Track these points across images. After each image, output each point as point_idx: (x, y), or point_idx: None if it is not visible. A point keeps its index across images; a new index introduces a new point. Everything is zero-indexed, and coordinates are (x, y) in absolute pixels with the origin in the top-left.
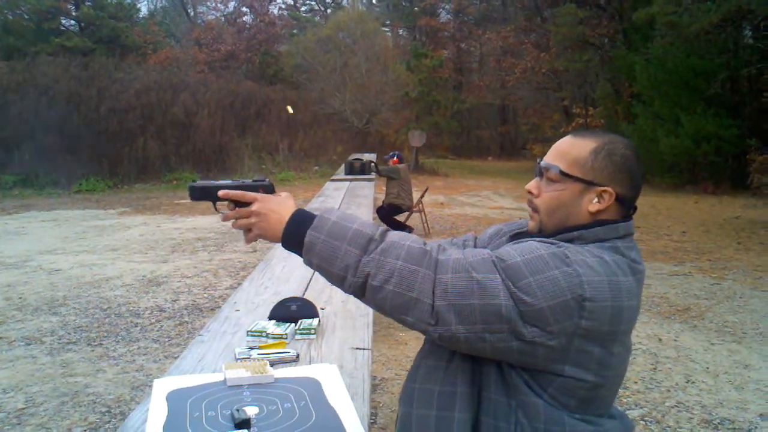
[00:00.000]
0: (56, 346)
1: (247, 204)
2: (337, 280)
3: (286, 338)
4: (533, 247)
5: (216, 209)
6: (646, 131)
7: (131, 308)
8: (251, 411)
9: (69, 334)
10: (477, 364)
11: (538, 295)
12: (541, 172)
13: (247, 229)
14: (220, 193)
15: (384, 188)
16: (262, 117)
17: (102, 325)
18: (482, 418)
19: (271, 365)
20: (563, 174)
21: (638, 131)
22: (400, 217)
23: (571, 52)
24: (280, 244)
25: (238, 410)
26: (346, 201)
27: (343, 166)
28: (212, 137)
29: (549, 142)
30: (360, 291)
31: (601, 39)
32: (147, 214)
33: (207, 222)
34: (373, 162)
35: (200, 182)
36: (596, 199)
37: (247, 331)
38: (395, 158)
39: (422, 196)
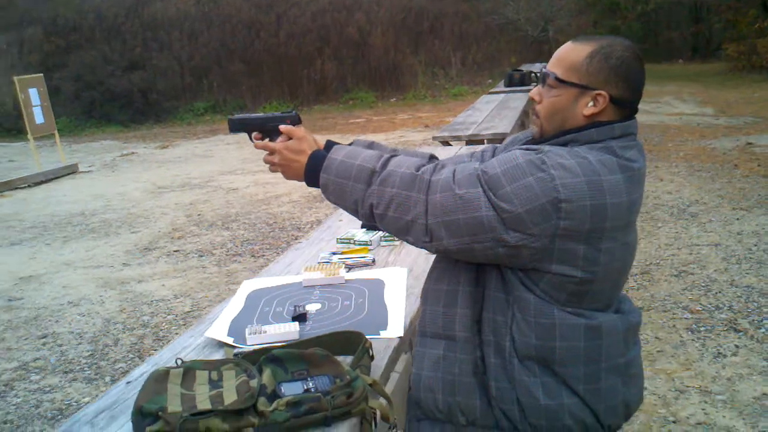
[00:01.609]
0: (224, 257)
1: (277, 134)
2: (352, 213)
3: (371, 245)
4: (513, 156)
5: (252, 139)
6: None
7: (294, 222)
8: (313, 307)
9: (236, 246)
10: (480, 266)
11: (515, 202)
12: (544, 79)
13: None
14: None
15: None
16: (434, 32)
17: (266, 239)
18: (484, 314)
19: (349, 268)
20: (558, 80)
21: None
22: None
23: None
24: None
25: (298, 306)
26: (493, 114)
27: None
28: (386, 55)
29: (745, 40)
30: (370, 220)
31: None
32: (322, 134)
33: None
34: (534, 72)
35: (237, 115)
36: (591, 103)
37: (337, 239)
38: None
39: None
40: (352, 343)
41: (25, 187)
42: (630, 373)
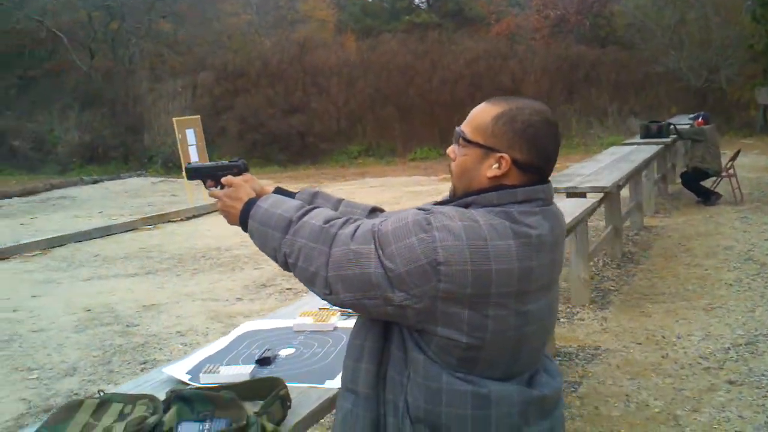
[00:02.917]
0: None
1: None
2: (273, 260)
3: None
4: (405, 215)
5: (206, 187)
6: None
7: None
8: (285, 352)
9: None
10: (387, 323)
11: (397, 261)
12: (458, 138)
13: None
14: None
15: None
16: (590, 80)
17: None
18: (388, 370)
19: (348, 315)
20: (465, 139)
21: None
22: (707, 183)
23: None
24: None
25: (268, 350)
26: (607, 166)
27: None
28: None
29: None
30: (285, 268)
31: None
32: None
33: None
34: (672, 124)
35: (193, 164)
36: (496, 165)
37: None
38: (701, 119)
39: (733, 159)
40: (270, 389)
41: (177, 221)
42: None
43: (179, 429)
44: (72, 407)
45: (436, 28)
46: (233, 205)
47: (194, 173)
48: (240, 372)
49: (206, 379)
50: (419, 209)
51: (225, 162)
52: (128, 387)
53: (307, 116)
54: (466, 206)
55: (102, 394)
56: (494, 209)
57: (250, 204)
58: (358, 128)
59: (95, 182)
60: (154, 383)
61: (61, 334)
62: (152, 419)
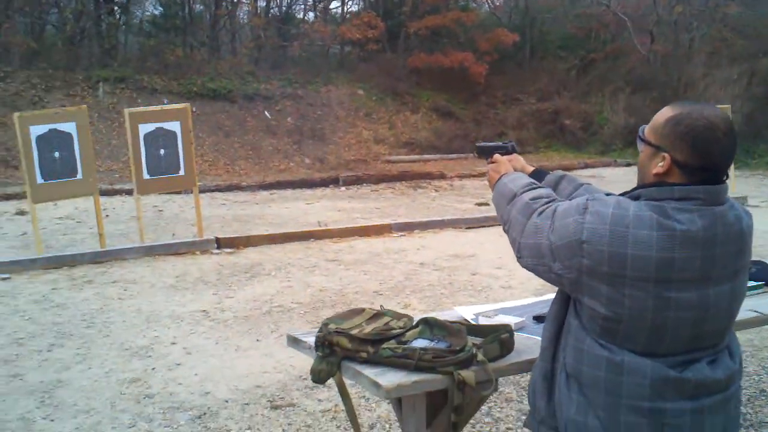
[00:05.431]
0: None
1: None
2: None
3: None
4: (577, 199)
5: (487, 162)
6: None
7: None
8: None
9: None
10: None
11: (557, 235)
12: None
13: None
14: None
15: None
16: None
17: None
18: (562, 332)
19: None
20: (640, 138)
21: None
22: None
23: None
24: None
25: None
26: None
27: None
28: None
29: None
30: (505, 232)
31: None
32: None
33: None
34: None
35: (480, 143)
36: (660, 163)
37: None
38: None
39: None
40: (494, 331)
41: None
42: (664, 422)
43: (414, 342)
44: (356, 311)
45: None
46: (493, 177)
47: (480, 151)
48: (508, 320)
49: (482, 320)
50: (590, 194)
51: (500, 143)
52: (434, 312)
53: None
54: (636, 198)
55: (381, 307)
56: (651, 203)
57: (501, 177)
58: None
59: (628, 165)
60: (448, 316)
61: None
62: (396, 331)
